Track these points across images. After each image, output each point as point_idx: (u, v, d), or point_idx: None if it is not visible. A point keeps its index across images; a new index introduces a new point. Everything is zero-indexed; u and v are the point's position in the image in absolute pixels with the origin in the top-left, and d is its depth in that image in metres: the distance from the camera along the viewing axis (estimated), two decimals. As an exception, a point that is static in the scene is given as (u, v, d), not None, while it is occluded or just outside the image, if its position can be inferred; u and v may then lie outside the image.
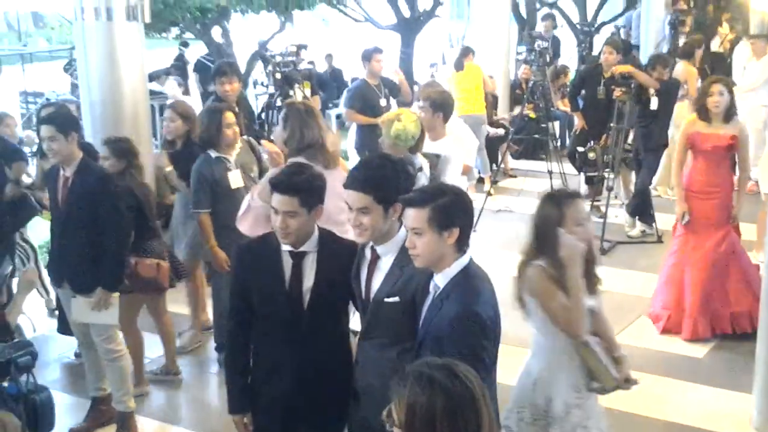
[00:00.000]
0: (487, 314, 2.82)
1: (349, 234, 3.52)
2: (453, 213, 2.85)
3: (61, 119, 4.85)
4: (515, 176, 10.78)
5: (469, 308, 2.79)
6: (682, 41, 10.43)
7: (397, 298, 3.10)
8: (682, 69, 9.26)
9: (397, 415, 2.11)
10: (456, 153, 5.36)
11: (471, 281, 2.87)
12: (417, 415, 2.07)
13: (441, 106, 5.47)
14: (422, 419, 2.07)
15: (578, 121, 9.53)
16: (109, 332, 4.89)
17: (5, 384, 2.74)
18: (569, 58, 13.79)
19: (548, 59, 10.04)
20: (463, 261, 2.90)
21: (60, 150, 4.68)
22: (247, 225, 4.48)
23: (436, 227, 2.82)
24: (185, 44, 16.51)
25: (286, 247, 3.32)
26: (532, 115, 10.48)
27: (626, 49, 11.44)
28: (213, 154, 5.43)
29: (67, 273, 4.86)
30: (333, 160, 4.67)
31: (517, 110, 11.36)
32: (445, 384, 2.09)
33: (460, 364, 2.19)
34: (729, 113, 5.92)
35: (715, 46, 13.40)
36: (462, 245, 2.89)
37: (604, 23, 18.29)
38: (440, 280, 2.91)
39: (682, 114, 8.25)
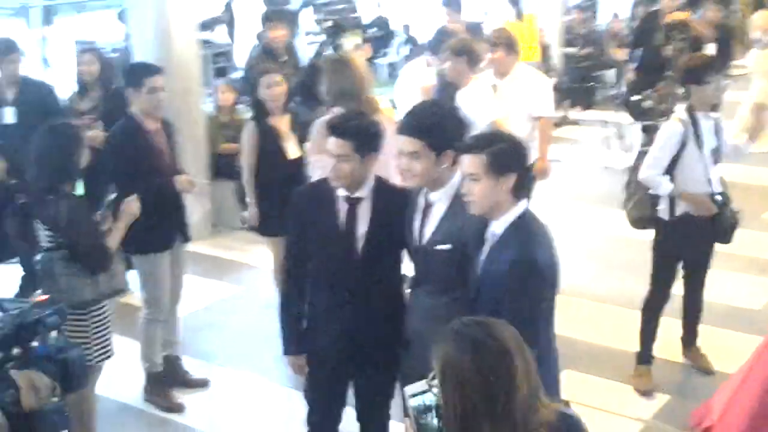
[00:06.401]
0: (545, 262, 2.80)
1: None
2: (509, 159, 2.84)
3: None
4: (577, 123, 10.68)
5: (526, 255, 2.77)
6: None
7: (449, 246, 3.11)
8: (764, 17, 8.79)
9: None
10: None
11: (528, 228, 2.85)
12: (447, 372, 2.03)
13: (462, 51, 5.45)
14: (452, 375, 2.01)
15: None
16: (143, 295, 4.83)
17: (35, 344, 2.73)
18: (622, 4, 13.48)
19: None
20: (519, 208, 2.88)
21: None
22: (316, 174, 4.50)
23: (492, 173, 2.80)
24: None
25: (341, 192, 3.34)
26: (581, 63, 10.30)
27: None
28: None
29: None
30: (371, 109, 4.41)
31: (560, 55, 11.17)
32: (474, 338, 2.02)
33: (496, 320, 2.12)
34: None
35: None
36: (519, 192, 2.87)
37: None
38: (497, 228, 2.89)
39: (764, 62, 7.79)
